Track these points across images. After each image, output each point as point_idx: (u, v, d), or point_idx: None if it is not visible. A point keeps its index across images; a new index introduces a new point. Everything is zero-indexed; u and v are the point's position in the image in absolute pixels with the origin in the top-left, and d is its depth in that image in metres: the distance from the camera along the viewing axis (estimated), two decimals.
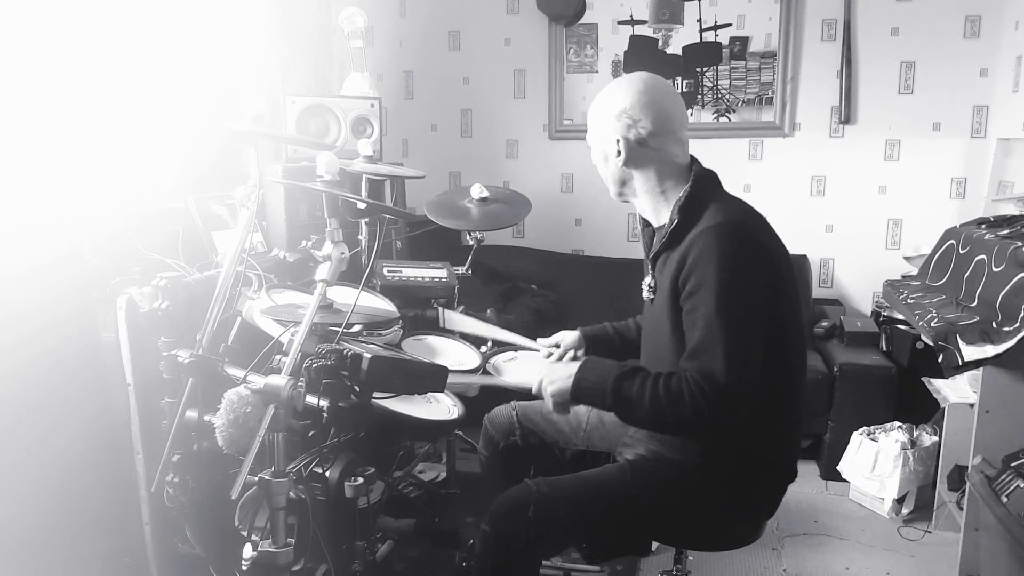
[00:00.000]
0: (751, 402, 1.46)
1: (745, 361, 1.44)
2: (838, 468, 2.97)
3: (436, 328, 2.46)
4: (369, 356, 1.48)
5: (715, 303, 1.44)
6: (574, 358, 1.92)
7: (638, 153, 1.60)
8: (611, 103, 1.60)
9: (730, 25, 3.72)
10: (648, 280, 1.68)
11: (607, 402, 1.52)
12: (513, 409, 1.94)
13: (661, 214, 1.64)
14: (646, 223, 1.71)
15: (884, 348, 3.25)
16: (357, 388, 1.50)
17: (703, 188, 1.59)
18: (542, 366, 1.67)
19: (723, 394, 1.42)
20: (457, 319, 2.25)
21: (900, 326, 3.17)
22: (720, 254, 1.45)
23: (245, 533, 1.64)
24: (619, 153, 1.60)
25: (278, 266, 2.27)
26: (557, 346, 1.97)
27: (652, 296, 1.67)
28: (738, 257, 1.46)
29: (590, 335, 1.96)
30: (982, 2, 3.43)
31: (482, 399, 2.13)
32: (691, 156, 1.64)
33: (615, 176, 1.66)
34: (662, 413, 1.46)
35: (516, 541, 1.55)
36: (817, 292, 3.77)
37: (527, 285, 3.73)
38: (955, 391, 2.59)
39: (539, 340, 2.03)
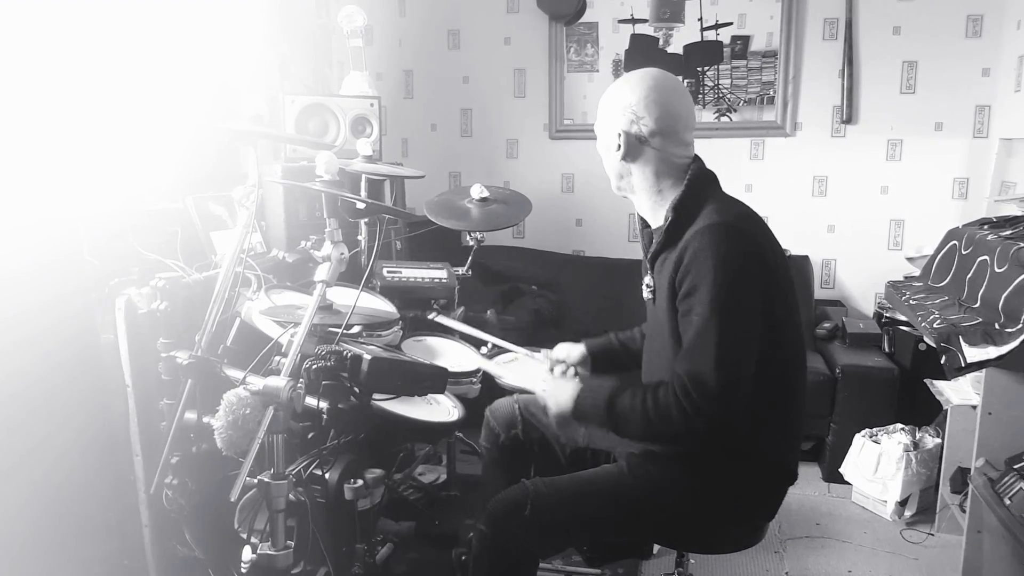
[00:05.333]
0: (743, 404, 1.44)
1: (737, 362, 1.44)
2: (840, 470, 2.96)
3: (436, 329, 2.45)
4: (369, 357, 1.47)
5: (709, 304, 1.43)
6: (576, 374, 1.90)
7: (637, 149, 1.60)
8: (620, 96, 1.60)
9: (731, 24, 3.71)
10: (647, 280, 1.68)
11: (605, 422, 1.55)
12: (515, 402, 1.93)
13: (658, 214, 1.64)
14: (645, 224, 1.71)
15: (886, 349, 3.24)
16: (357, 389, 1.49)
17: (699, 188, 1.58)
18: (546, 383, 1.67)
19: (711, 400, 1.42)
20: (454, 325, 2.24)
21: (902, 327, 3.16)
22: (715, 255, 1.45)
23: (244, 535, 1.63)
24: (619, 147, 1.60)
25: (277, 267, 2.26)
26: (562, 361, 1.94)
27: (652, 297, 1.66)
28: (733, 258, 1.46)
29: (595, 351, 1.92)
30: (984, 1, 3.42)
31: (483, 400, 2.12)
32: (695, 156, 1.63)
33: (615, 169, 1.66)
34: (652, 426, 1.48)
35: (513, 541, 1.55)
36: (819, 293, 3.76)
37: (527, 286, 3.72)
38: (957, 393, 2.58)
39: (543, 351, 2.00)
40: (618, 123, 1.59)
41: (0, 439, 1.71)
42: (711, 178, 1.63)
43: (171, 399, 1.68)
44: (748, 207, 1.59)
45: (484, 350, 2.34)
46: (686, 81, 3.77)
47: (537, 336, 2.30)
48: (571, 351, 1.92)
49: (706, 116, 3.78)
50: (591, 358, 1.91)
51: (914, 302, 2.65)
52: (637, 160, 1.61)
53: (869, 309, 3.74)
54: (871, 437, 2.90)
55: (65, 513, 1.85)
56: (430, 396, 2.12)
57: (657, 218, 1.64)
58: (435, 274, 2.58)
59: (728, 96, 3.77)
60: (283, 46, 3.38)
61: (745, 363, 1.45)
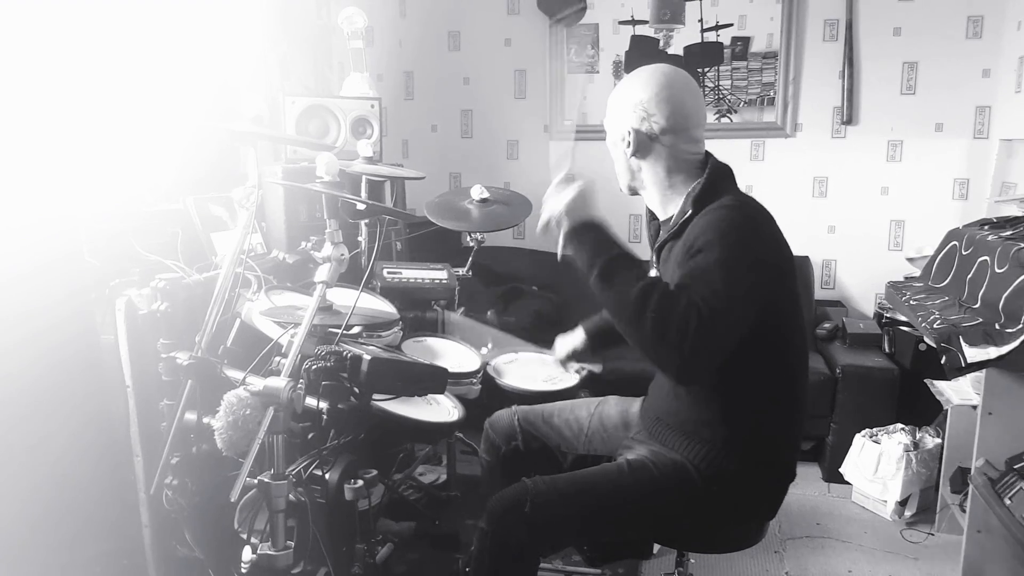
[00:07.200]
0: (718, 353, 1.36)
1: (728, 311, 1.34)
2: (840, 470, 2.96)
3: (436, 330, 2.45)
4: (369, 358, 1.47)
5: (717, 257, 1.38)
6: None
7: (648, 147, 1.59)
8: (630, 93, 1.59)
9: (731, 25, 3.71)
10: (652, 272, 1.67)
11: (595, 268, 1.47)
12: (514, 413, 1.94)
13: (668, 207, 1.64)
14: (652, 216, 1.71)
15: (886, 350, 3.24)
16: (357, 390, 1.49)
17: (718, 181, 1.59)
18: (554, 200, 1.62)
19: (707, 323, 1.30)
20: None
21: (903, 328, 3.16)
22: (727, 228, 1.43)
23: (244, 536, 1.63)
24: (629, 144, 1.59)
25: (277, 267, 2.26)
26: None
27: None
28: (744, 231, 1.45)
29: (591, 330, 1.97)
30: (984, 2, 3.42)
31: (483, 401, 2.12)
32: (706, 152, 1.63)
33: (624, 166, 1.66)
34: (641, 312, 1.34)
35: (513, 539, 1.55)
36: (819, 293, 3.76)
37: (528, 286, 3.72)
38: (958, 393, 2.58)
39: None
40: (628, 120, 1.59)
41: (0, 439, 1.71)
42: (728, 172, 1.64)
43: (171, 400, 1.68)
44: (761, 204, 1.59)
45: (484, 350, 2.35)
46: None
47: (538, 337, 2.29)
48: (572, 339, 1.97)
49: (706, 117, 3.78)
50: (588, 338, 1.96)
51: (914, 302, 2.65)
52: (647, 157, 1.61)
53: (869, 309, 3.74)
54: (871, 437, 2.90)
55: (65, 513, 1.85)
56: (430, 396, 2.12)
57: (667, 210, 1.65)
58: (435, 275, 2.58)
59: (728, 97, 3.77)
60: (283, 47, 3.38)
61: (734, 320, 1.36)
